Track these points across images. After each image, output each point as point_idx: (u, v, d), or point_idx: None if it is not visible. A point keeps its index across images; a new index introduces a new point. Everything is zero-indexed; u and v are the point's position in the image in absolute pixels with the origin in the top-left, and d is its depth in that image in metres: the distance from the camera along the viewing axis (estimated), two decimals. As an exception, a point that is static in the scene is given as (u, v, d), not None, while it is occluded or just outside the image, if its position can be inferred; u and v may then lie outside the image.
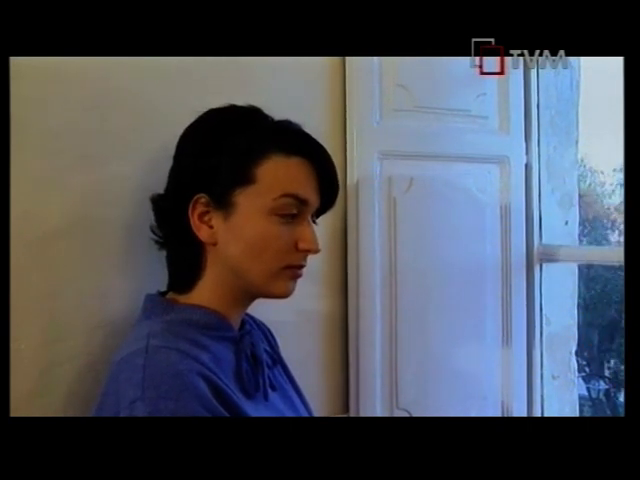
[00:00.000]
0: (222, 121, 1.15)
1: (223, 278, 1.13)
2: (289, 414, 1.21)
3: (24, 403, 1.19)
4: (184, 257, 1.15)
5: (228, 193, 1.09)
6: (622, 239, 1.20)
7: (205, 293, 1.13)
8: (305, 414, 1.27)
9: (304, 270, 1.17)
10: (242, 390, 1.09)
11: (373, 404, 1.67)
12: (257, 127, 1.14)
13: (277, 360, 1.29)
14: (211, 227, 1.11)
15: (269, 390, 1.16)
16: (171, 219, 1.15)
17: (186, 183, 1.12)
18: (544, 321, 2.00)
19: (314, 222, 1.18)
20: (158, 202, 1.17)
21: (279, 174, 1.10)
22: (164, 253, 1.21)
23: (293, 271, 1.13)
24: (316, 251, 1.14)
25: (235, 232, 1.10)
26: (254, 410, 1.07)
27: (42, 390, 1.23)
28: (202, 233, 1.11)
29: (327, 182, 1.16)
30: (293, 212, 1.11)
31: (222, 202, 1.10)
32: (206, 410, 0.94)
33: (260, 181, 1.09)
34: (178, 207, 1.12)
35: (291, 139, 1.14)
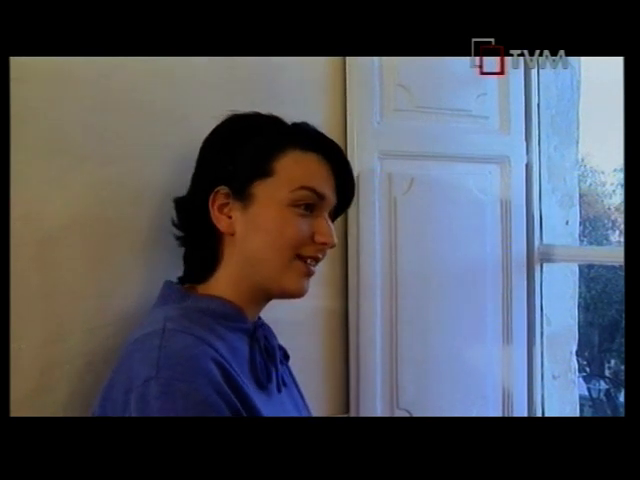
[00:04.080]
0: (244, 125, 1.19)
1: (239, 271, 1.15)
2: (295, 412, 1.23)
3: (24, 403, 1.18)
4: (202, 248, 1.18)
5: (247, 185, 1.13)
6: (623, 239, 1.21)
7: (222, 285, 1.16)
8: (306, 414, 1.29)
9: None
10: (255, 381, 1.11)
11: (373, 404, 1.66)
12: (276, 128, 1.19)
13: (287, 357, 1.31)
14: (230, 217, 1.14)
15: (281, 384, 1.19)
16: (192, 213, 1.18)
17: (208, 177, 1.17)
18: (544, 321, 2.00)
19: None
20: (181, 202, 1.21)
21: (297, 168, 1.14)
22: (165, 252, 1.21)
23: (306, 265, 1.15)
24: (332, 245, 1.16)
25: (253, 222, 1.13)
26: (266, 402, 1.09)
27: (42, 390, 1.23)
28: (222, 223, 1.15)
29: (343, 180, 1.20)
30: (310, 204, 1.14)
31: (241, 194, 1.14)
32: (218, 395, 0.96)
33: (278, 174, 1.13)
34: (199, 201, 1.15)
35: (308, 136, 1.18)
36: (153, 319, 1.08)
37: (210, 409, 0.95)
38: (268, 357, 1.17)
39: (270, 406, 1.10)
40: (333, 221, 1.22)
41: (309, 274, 1.17)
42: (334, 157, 1.19)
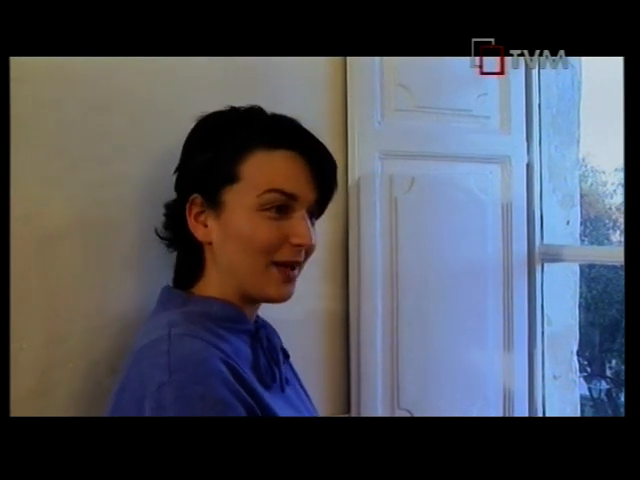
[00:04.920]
0: (219, 123, 1.16)
1: (223, 278, 1.14)
2: (302, 408, 1.22)
3: (24, 403, 1.19)
4: (187, 256, 1.18)
5: (217, 192, 1.11)
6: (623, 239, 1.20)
7: (214, 289, 1.14)
8: (312, 411, 1.29)
9: (305, 271, 1.18)
10: (260, 381, 1.10)
11: (374, 404, 1.66)
12: (248, 125, 1.14)
13: (288, 355, 1.30)
14: (206, 226, 1.13)
15: (284, 383, 1.18)
16: (174, 220, 1.17)
17: (184, 185, 1.16)
18: (545, 321, 2.00)
19: (312, 222, 1.16)
20: (167, 207, 1.20)
21: (262, 170, 1.11)
22: (164, 253, 1.22)
23: (283, 271, 1.12)
24: (309, 246, 1.13)
25: (225, 230, 1.11)
26: (272, 401, 1.08)
27: (43, 390, 1.23)
28: (198, 233, 1.13)
29: (320, 173, 1.14)
30: (280, 206, 1.10)
31: (213, 201, 1.12)
32: (233, 394, 0.96)
33: (244, 179, 1.10)
34: (180, 208, 1.14)
35: (276, 132, 1.13)
36: (156, 325, 1.07)
37: (227, 409, 0.95)
38: (271, 357, 1.17)
39: (277, 406, 1.09)
40: (320, 214, 1.19)
41: (288, 280, 1.13)
42: (307, 150, 1.13)
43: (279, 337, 1.32)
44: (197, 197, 1.12)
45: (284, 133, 1.14)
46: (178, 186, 1.18)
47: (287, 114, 1.18)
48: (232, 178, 1.10)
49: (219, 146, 1.12)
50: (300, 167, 1.12)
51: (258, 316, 1.24)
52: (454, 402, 1.78)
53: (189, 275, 1.17)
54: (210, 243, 1.13)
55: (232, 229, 1.11)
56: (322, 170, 1.15)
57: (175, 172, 1.19)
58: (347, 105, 1.65)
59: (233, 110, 1.17)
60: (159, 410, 0.93)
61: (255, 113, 1.17)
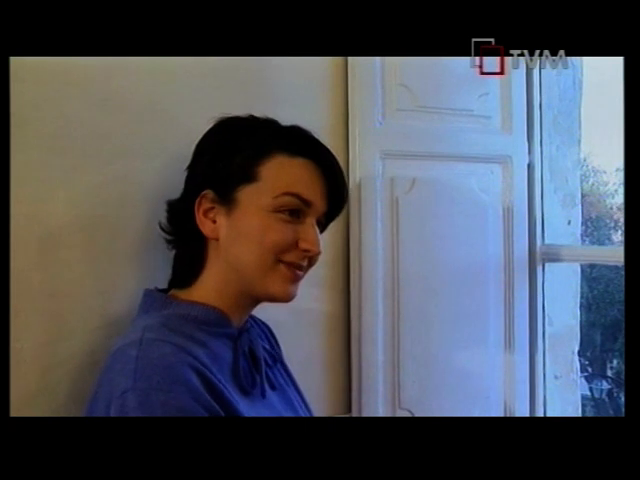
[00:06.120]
0: (239, 126, 1.18)
1: (224, 276, 1.14)
2: (287, 414, 1.21)
3: (24, 403, 1.19)
4: (187, 252, 1.18)
5: (232, 190, 1.12)
6: (625, 239, 1.20)
7: (206, 291, 1.15)
8: (305, 415, 1.28)
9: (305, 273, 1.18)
10: (239, 387, 1.10)
11: (375, 404, 1.66)
12: (265, 132, 1.16)
13: (277, 359, 1.29)
14: (214, 222, 1.13)
15: (268, 389, 1.17)
16: (180, 216, 1.18)
17: (196, 181, 1.16)
18: (546, 321, 2.00)
19: (321, 230, 1.18)
20: (171, 204, 1.20)
21: (281, 173, 1.12)
22: (166, 253, 1.22)
23: (291, 270, 1.13)
24: (316, 253, 1.14)
25: (236, 227, 1.12)
26: (250, 408, 1.08)
27: (43, 390, 1.23)
28: (205, 228, 1.14)
29: (334, 186, 1.17)
30: (295, 209, 1.12)
31: (226, 198, 1.12)
32: (197, 403, 0.95)
33: (263, 179, 1.11)
34: (187, 204, 1.15)
35: (297, 140, 1.16)
36: (133, 329, 1.08)
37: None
38: (253, 362, 1.16)
39: (255, 411, 1.09)
40: (325, 227, 1.21)
41: (294, 279, 1.14)
42: (325, 162, 1.16)
43: (272, 340, 1.33)
44: (209, 193, 1.13)
45: (304, 142, 1.17)
46: (190, 181, 1.18)
47: (288, 114, 1.19)
48: (249, 177, 1.12)
49: (238, 146, 1.13)
50: (317, 176, 1.15)
51: (251, 318, 1.24)
52: (455, 402, 1.78)
53: (188, 272, 1.17)
54: (217, 239, 1.14)
55: (243, 227, 1.12)
56: (336, 183, 1.17)
57: (187, 169, 1.19)
58: (348, 105, 1.65)
59: (252, 117, 1.19)
60: (122, 416, 0.94)
61: (273, 122, 1.19)
